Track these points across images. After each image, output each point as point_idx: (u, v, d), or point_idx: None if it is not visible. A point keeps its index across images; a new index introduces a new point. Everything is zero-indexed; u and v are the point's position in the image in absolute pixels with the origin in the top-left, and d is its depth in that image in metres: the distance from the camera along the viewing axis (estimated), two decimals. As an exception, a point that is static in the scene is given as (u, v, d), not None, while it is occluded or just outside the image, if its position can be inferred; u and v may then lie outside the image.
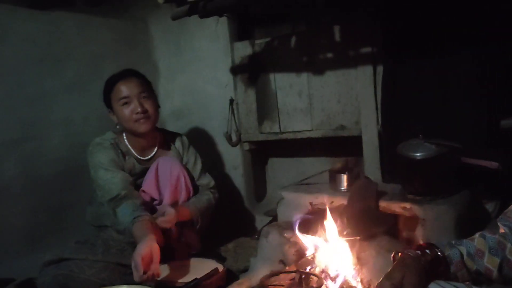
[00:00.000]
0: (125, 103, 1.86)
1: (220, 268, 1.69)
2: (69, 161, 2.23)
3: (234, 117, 2.52)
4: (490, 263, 0.97)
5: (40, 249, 2.01)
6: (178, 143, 2.09)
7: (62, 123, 2.24)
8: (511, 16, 1.81)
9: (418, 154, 1.73)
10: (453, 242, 1.04)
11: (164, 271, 1.70)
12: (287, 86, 2.39)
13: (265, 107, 2.47)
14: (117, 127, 1.95)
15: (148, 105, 1.89)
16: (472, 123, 1.83)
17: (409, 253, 0.99)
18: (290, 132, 2.40)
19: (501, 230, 1.00)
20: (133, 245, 1.68)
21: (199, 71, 2.63)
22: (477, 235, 1.04)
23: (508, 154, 1.78)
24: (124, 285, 1.58)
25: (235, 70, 2.52)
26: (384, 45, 2.07)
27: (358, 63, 2.14)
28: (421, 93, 1.95)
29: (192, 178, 2.01)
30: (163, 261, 1.80)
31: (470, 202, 1.78)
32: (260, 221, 2.53)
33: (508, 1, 1.78)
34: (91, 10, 2.41)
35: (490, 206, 1.87)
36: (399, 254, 1.01)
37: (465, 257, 1.00)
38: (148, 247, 1.50)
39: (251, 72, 2.48)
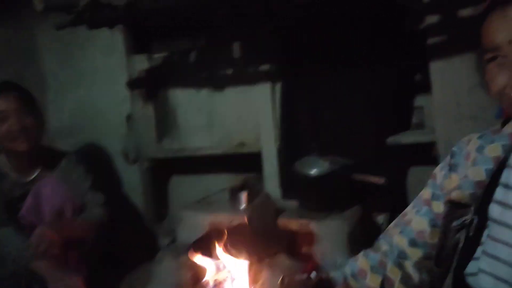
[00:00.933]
0: (1, 119, 1.69)
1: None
2: None
3: (132, 134, 2.39)
4: (372, 282, 0.99)
5: None
6: (65, 162, 1.93)
7: None
8: (397, 41, 1.96)
9: (312, 171, 1.77)
10: (339, 262, 1.04)
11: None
12: (186, 102, 2.33)
13: (165, 123, 2.38)
14: None
15: (28, 122, 1.73)
16: (363, 140, 1.92)
17: (295, 278, 0.97)
18: (190, 149, 2.34)
19: (383, 248, 1.03)
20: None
21: (92, 85, 2.46)
22: (361, 254, 1.06)
23: (393, 169, 1.90)
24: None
25: (132, 84, 2.39)
26: (282, 62, 2.11)
27: (257, 80, 2.15)
28: (317, 109, 2.01)
29: (79, 196, 1.86)
30: None
31: (362, 216, 1.85)
32: (161, 242, 2.42)
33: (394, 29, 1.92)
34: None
35: (380, 219, 1.97)
36: (285, 278, 0.99)
37: (349, 278, 1.01)
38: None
39: (149, 87, 2.38)
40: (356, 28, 1.94)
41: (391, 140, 1.95)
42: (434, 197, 0.96)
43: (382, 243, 1.03)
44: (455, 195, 0.84)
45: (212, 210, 1.96)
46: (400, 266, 0.97)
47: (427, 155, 1.97)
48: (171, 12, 1.61)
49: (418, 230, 0.96)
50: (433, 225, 0.94)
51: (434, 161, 1.89)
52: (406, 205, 2.12)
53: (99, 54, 2.42)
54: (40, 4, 1.68)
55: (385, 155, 1.94)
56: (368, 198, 1.90)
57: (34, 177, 1.81)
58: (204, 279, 1.55)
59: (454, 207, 0.85)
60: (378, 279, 0.99)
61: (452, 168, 0.93)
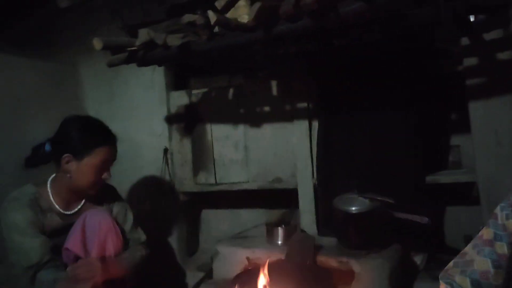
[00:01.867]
0: (104, 168, 1.75)
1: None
2: None
3: (168, 167, 2.44)
4: None
5: None
6: (107, 194, 1.96)
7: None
8: (434, 81, 1.99)
9: (353, 208, 1.78)
10: None
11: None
12: (223, 137, 2.38)
13: (201, 158, 2.43)
14: (52, 177, 1.77)
15: None
16: (401, 179, 1.93)
17: None
18: (226, 183, 2.37)
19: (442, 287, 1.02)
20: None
21: (132, 119, 2.54)
22: None
23: (433, 208, 1.89)
24: None
25: (171, 119, 2.47)
26: (319, 100, 2.16)
27: (294, 117, 2.20)
28: (354, 148, 2.03)
29: (122, 232, 1.87)
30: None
31: (401, 255, 1.84)
32: (192, 276, 2.41)
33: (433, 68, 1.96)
34: (15, 51, 2.27)
35: (418, 259, 1.95)
36: None
37: None
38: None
39: (187, 122, 2.45)
40: (396, 68, 1.99)
41: (430, 179, 1.96)
42: (496, 238, 0.96)
43: (442, 283, 1.03)
44: None
45: (248, 245, 1.97)
46: None
47: (464, 195, 1.97)
48: (218, 52, 1.68)
49: (482, 270, 0.95)
50: (497, 266, 0.93)
51: (473, 201, 1.88)
52: (443, 245, 2.12)
53: (140, 90, 2.51)
54: (63, 2, 1.75)
55: (423, 194, 1.94)
56: (406, 237, 1.89)
57: (78, 209, 1.82)
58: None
59: None
60: None
61: None
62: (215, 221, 2.61)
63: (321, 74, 2.16)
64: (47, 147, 1.76)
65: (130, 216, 1.96)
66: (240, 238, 2.14)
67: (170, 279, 2.45)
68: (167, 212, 2.50)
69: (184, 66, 2.49)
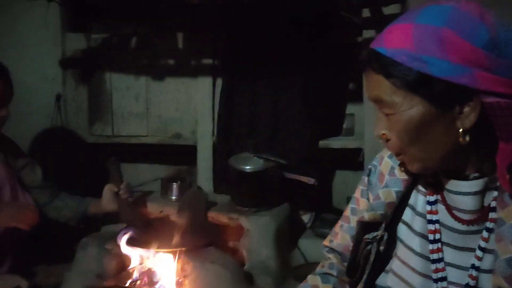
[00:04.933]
0: None
1: (24, 285, 1.48)
2: None
3: (61, 115, 2.27)
4: None
5: None
6: (6, 147, 1.78)
7: None
8: (336, 49, 2.05)
9: (247, 167, 1.81)
10: None
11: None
12: (123, 88, 2.27)
13: (98, 108, 2.29)
14: None
15: None
16: (295, 141, 2.00)
17: None
18: (123, 136, 2.28)
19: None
20: None
21: (22, 61, 2.29)
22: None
23: (321, 170, 1.99)
24: None
25: (65, 63, 2.28)
26: (225, 57, 2.13)
27: (199, 73, 2.15)
28: (254, 108, 2.05)
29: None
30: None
31: (289, 213, 1.93)
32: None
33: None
34: None
35: (305, 218, 2.06)
36: None
37: None
38: None
39: (84, 68, 2.28)
40: (299, 31, 2.01)
41: (323, 143, 2.05)
42: (352, 212, 1.00)
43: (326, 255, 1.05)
44: (367, 216, 0.87)
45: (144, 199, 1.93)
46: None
47: (353, 160, 2.09)
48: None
49: (344, 244, 1.00)
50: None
51: (359, 166, 2.02)
52: (331, 206, 2.26)
53: (32, 28, 2.26)
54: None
55: (315, 157, 2.03)
56: (296, 197, 1.98)
57: None
58: (128, 268, 1.52)
59: (366, 224, 0.89)
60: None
61: (368, 188, 0.96)
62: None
63: (230, 31, 2.12)
64: None
65: (39, 172, 1.81)
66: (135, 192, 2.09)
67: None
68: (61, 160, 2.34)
69: (84, 6, 2.29)
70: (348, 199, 1.08)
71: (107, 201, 1.76)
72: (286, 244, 1.86)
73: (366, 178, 0.96)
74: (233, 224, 1.80)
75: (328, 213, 2.11)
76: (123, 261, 1.59)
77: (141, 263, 1.50)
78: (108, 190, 1.77)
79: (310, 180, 1.73)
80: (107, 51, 2.25)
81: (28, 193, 1.72)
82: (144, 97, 2.25)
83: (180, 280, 1.49)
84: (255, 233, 1.74)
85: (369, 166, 0.96)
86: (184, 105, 2.22)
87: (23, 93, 2.31)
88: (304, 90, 2.04)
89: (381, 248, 0.88)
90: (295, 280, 1.69)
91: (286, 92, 2.04)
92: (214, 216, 1.82)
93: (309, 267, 1.60)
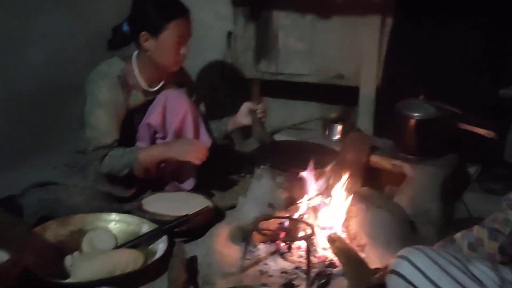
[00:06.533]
0: (181, 43, 1.73)
1: (210, 205, 1.70)
2: (52, 78, 2.08)
3: (231, 52, 2.43)
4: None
5: (22, 168, 1.94)
6: (186, 80, 1.98)
7: (44, 37, 2.08)
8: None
9: (417, 114, 1.75)
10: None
11: (153, 202, 1.69)
12: (289, 26, 2.31)
13: (264, 45, 2.39)
14: (135, 53, 1.77)
15: None
16: (472, 89, 1.85)
17: None
18: (287, 74, 2.36)
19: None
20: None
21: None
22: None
23: (500, 123, 1.83)
24: (114, 213, 1.59)
25: (237, 1, 2.38)
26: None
27: (367, 12, 2.07)
28: (426, 53, 1.93)
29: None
30: (152, 190, 1.82)
31: (456, 165, 1.84)
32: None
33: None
34: None
35: (471, 170, 1.95)
36: None
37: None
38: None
39: (253, 6, 2.36)
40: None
41: (503, 92, 1.86)
42: None
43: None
44: None
45: (304, 137, 2.02)
46: None
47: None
48: None
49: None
50: None
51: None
52: (501, 159, 2.09)
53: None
54: None
55: (493, 107, 1.87)
56: (463, 147, 1.87)
57: (159, 88, 1.82)
58: (298, 202, 1.64)
59: None
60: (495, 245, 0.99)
61: None
62: (272, 109, 2.65)
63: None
64: (125, 27, 1.76)
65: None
66: (296, 130, 2.20)
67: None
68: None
69: None
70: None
71: (242, 114, 1.90)
72: (450, 195, 1.81)
73: None
74: (396, 170, 1.79)
75: (498, 168, 1.96)
76: (292, 196, 1.71)
77: (310, 198, 1.60)
78: (245, 105, 1.90)
79: (490, 134, 1.61)
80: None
81: (204, 125, 1.88)
82: (309, 36, 2.27)
83: (346, 220, 1.56)
84: (420, 182, 1.72)
85: None
86: (349, 45, 2.19)
87: (198, 30, 2.51)
88: (483, 36, 1.84)
89: None
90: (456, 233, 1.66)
91: (464, 36, 1.86)
92: (377, 160, 1.83)
93: (473, 222, 1.55)
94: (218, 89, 2.54)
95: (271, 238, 1.51)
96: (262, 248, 1.51)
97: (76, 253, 1.40)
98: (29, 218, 1.53)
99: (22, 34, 1.99)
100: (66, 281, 1.25)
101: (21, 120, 2.03)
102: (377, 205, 1.56)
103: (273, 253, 1.48)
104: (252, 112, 1.88)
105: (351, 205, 1.57)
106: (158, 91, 1.82)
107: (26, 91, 2.02)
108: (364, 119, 2.14)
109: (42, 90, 2.06)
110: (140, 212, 1.60)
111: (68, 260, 1.35)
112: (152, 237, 1.47)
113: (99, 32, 1.87)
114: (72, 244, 1.44)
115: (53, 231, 1.43)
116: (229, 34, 2.41)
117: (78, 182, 1.68)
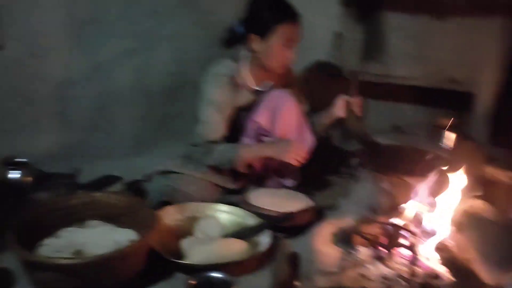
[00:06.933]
0: (288, 47, 1.78)
1: (312, 204, 1.74)
2: (176, 75, 2.33)
3: (339, 51, 2.43)
4: None
5: (145, 155, 2.18)
6: (293, 81, 2.03)
7: (171, 38, 2.30)
8: None
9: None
10: None
11: (256, 197, 1.77)
12: (399, 28, 2.25)
13: (372, 47, 2.36)
14: (245, 53, 1.85)
15: None
16: None
17: None
18: (395, 77, 2.31)
19: None
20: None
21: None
22: None
23: None
24: (223, 204, 1.70)
25: (346, 1, 2.38)
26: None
27: (487, 13, 1.95)
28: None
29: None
30: (255, 185, 1.91)
31: None
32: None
33: None
34: None
35: None
36: None
37: None
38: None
39: (363, 6, 2.34)
40: None
41: None
42: None
43: None
44: None
45: (413, 144, 1.97)
46: None
47: None
48: None
49: None
50: None
51: None
52: None
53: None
54: None
55: None
56: None
57: (267, 88, 1.89)
58: (402, 208, 1.61)
59: None
60: None
61: None
62: (375, 112, 2.60)
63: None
64: (239, 28, 1.84)
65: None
66: (400, 134, 2.14)
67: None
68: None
69: None
70: None
71: (338, 107, 1.89)
72: None
73: None
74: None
75: None
76: (394, 200, 1.69)
77: (414, 205, 1.56)
78: (341, 98, 1.89)
79: None
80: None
81: (308, 126, 1.91)
82: (420, 38, 2.19)
83: (454, 231, 1.51)
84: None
85: None
86: (464, 48, 2.08)
87: (305, 29, 2.54)
88: None
89: None
90: None
91: None
92: (492, 172, 1.73)
93: None
94: (322, 87, 2.56)
95: (373, 242, 1.51)
96: (362, 252, 1.51)
97: (189, 237, 1.53)
98: (152, 202, 1.71)
99: (155, 34, 2.24)
100: (188, 262, 1.37)
101: (150, 112, 2.29)
102: (490, 219, 1.48)
103: (373, 258, 1.48)
104: (348, 104, 1.88)
105: (460, 216, 1.51)
106: (266, 91, 1.89)
107: (156, 86, 2.28)
108: (479, 127, 2.02)
109: (168, 86, 2.30)
110: (245, 205, 1.70)
111: (184, 243, 1.48)
112: (258, 230, 1.55)
113: (220, 34, 2.00)
114: (186, 228, 1.57)
115: (171, 216, 1.58)
116: (338, 34, 2.41)
117: (192, 172, 1.82)
